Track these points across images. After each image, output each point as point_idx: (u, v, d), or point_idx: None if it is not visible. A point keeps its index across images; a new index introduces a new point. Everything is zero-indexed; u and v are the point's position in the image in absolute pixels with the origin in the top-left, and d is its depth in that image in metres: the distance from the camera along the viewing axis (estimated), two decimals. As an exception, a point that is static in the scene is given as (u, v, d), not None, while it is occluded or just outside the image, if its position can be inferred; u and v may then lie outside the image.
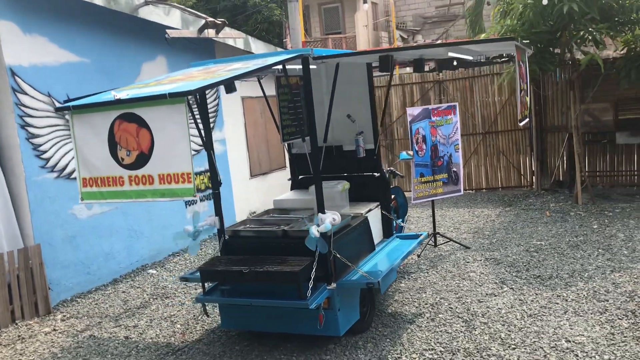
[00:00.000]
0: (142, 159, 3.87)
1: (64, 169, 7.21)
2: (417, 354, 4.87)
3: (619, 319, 5.17)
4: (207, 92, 9.67)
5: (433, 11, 29.19)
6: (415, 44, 7.65)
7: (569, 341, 4.82)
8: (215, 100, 10.10)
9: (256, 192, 11.23)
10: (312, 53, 4.62)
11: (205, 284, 5.18)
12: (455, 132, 7.68)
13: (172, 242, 8.88)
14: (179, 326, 5.99)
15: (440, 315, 5.59)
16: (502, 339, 4.98)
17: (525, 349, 4.77)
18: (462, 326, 5.31)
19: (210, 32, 8.53)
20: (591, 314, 5.33)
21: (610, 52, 9.20)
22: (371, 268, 5.12)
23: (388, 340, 5.18)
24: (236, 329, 5.53)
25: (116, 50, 8.09)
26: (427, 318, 5.57)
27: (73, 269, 7.29)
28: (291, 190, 6.63)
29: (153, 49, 8.78)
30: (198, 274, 5.49)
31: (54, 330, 6.22)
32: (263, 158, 11.50)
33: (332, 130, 6.08)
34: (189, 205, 9.37)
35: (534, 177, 11.53)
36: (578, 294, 5.80)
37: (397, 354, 4.89)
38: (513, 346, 4.83)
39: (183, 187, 3.76)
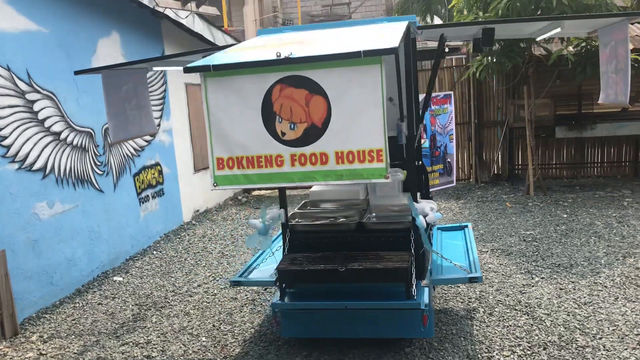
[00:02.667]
0: (313, 133, 3.12)
1: (25, 158, 5.97)
2: (506, 350, 4.57)
3: (669, 302, 5.28)
4: (154, 75, 8.66)
5: (320, 9, 29.26)
6: (523, 17, 7.19)
7: (648, 327, 4.80)
8: (162, 85, 9.07)
9: (199, 188, 10.30)
10: (416, 22, 4.13)
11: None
12: (450, 122, 7.52)
13: (128, 245, 7.79)
14: (204, 339, 5.15)
15: (496, 309, 5.34)
16: (579, 329, 4.84)
17: (611, 337, 4.66)
18: (528, 319, 5.10)
19: (192, 6, 7.58)
20: (642, 298, 5.39)
21: (562, 48, 9.58)
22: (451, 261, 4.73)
23: (461, 338, 4.82)
24: (297, 337, 4.83)
25: (73, 22, 6.90)
26: (484, 313, 5.29)
27: (37, 280, 6.06)
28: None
29: (108, 25, 7.64)
30: (252, 275, 4.76)
31: (41, 354, 5.07)
32: (205, 152, 10.58)
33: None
34: (143, 203, 8.30)
35: (471, 170, 11.80)
36: (613, 280, 5.86)
37: (485, 352, 4.56)
38: (598, 336, 4.70)
39: (371, 167, 3.08)
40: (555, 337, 4.72)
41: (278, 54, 2.99)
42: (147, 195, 8.42)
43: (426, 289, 4.23)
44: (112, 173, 7.57)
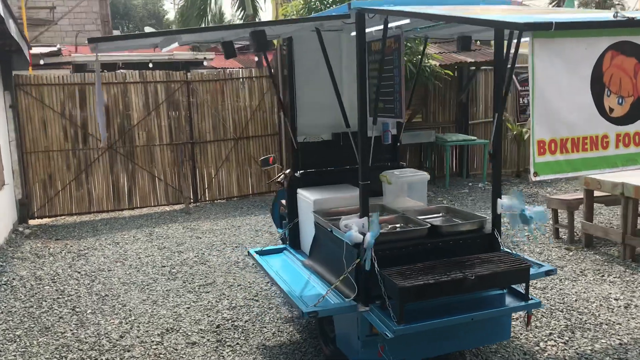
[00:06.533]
0: (638, 110, 2.71)
1: None
2: (551, 340, 4.63)
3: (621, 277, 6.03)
4: None
5: (16, 11, 25.32)
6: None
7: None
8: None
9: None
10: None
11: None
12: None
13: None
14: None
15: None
16: (594, 314, 5.12)
17: (628, 315, 5.07)
18: (540, 312, 5.21)
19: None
20: (598, 276, 6.02)
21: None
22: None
23: (506, 341, 4.66)
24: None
25: None
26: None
27: None
28: (289, 189, 5.23)
29: None
30: (323, 303, 3.82)
31: None
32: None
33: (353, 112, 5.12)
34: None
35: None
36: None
37: (535, 345, 4.55)
38: (613, 320, 5.01)
39: None
40: (575, 320, 4.98)
41: (615, 15, 2.55)
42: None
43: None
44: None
